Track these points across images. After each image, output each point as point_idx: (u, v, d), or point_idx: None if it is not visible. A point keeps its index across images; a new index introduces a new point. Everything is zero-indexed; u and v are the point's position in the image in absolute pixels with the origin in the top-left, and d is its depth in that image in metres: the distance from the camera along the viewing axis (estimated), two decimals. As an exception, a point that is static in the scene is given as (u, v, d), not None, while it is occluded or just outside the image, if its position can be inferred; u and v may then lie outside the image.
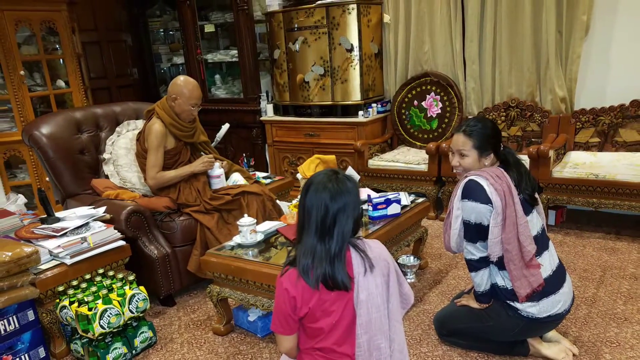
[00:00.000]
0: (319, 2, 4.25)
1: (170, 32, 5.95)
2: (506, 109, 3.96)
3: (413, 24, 4.22)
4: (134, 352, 2.42)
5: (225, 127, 3.62)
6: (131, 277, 2.46)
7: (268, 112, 4.75)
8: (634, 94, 3.52)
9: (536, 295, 2.04)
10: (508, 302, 2.09)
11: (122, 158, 3.11)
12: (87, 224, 2.57)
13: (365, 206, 2.71)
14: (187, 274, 2.91)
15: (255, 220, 2.52)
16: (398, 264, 2.75)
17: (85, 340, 2.34)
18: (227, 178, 3.19)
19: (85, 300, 2.23)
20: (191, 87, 2.94)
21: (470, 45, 4.01)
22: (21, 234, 2.53)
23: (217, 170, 3.08)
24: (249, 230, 2.46)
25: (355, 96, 4.31)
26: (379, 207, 2.67)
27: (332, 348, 1.56)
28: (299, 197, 1.66)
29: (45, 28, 4.16)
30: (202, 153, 3.19)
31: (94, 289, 2.28)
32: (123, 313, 2.28)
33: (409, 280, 2.92)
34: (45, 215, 2.64)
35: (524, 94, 3.92)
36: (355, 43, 4.17)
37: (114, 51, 5.58)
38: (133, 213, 2.73)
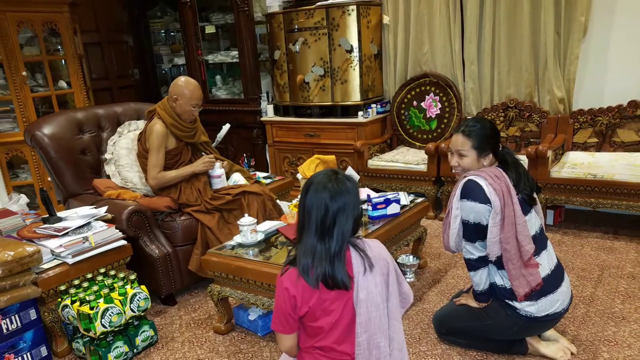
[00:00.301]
0: (319, 3, 4.26)
1: (171, 33, 5.96)
2: (505, 109, 3.98)
3: (412, 25, 4.24)
4: (135, 350, 2.43)
5: (226, 127, 3.63)
6: (132, 277, 2.47)
7: (268, 112, 4.77)
8: (632, 95, 3.54)
9: (535, 294, 2.05)
10: (507, 301, 2.10)
11: (123, 158, 3.12)
12: (88, 223, 2.58)
13: (364, 206, 2.72)
14: (188, 273, 2.93)
15: (256, 220, 2.54)
16: (397, 263, 2.76)
17: (86, 339, 2.35)
18: (227, 178, 3.20)
19: (87, 299, 2.24)
20: (192, 88, 2.95)
21: (469, 46, 4.02)
22: (23, 233, 2.55)
23: (218, 170, 3.09)
24: (250, 229, 2.47)
25: (355, 97, 4.33)
26: (379, 207, 2.69)
27: (332, 347, 1.57)
28: (299, 197, 1.67)
29: (47, 29, 4.17)
30: (202, 153, 3.21)
31: (95, 288, 2.29)
32: (124, 312, 2.30)
33: (408, 280, 2.93)
34: (47, 215, 2.66)
35: (523, 95, 3.93)
36: (355, 44, 4.18)
37: (115, 52, 5.59)
38: (134, 213, 2.75)
